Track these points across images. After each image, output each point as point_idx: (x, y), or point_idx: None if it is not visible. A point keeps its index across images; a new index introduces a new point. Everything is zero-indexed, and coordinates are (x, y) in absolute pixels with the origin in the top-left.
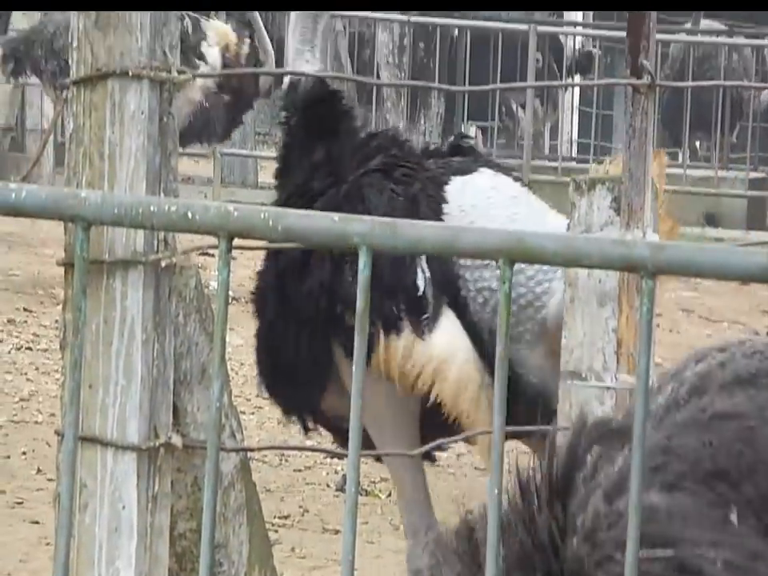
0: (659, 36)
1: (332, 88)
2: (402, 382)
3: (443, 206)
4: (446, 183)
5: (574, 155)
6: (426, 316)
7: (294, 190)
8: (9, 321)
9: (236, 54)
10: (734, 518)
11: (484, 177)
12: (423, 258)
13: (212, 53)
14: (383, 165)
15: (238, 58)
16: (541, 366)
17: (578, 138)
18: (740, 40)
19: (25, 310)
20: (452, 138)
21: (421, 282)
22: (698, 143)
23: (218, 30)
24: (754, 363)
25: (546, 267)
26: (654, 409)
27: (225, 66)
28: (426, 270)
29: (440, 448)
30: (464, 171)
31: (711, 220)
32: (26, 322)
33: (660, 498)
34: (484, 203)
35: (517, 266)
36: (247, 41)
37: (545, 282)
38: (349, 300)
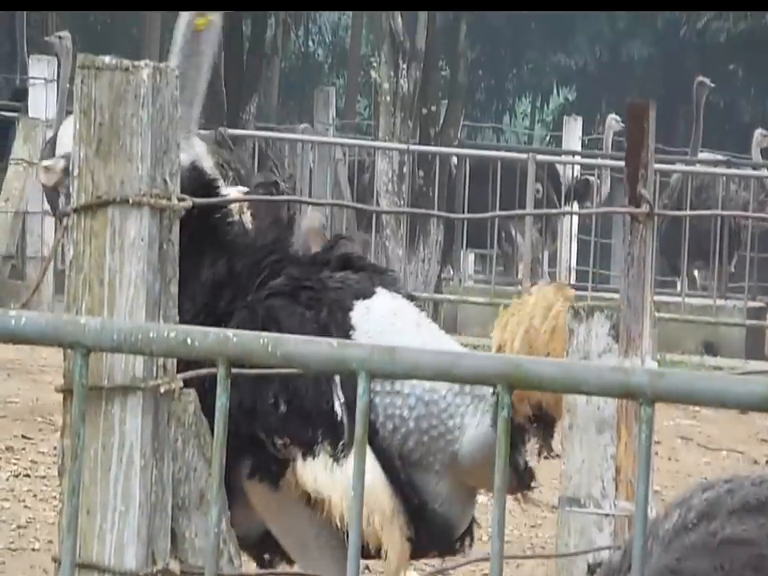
0: (657, 166)
1: (208, 177)
2: (316, 505)
3: (351, 333)
4: (351, 309)
5: (572, 282)
6: (342, 441)
7: (201, 309)
8: (7, 448)
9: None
10: None
11: (384, 301)
12: (338, 383)
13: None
14: (288, 287)
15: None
16: (448, 496)
17: (577, 265)
18: (737, 171)
19: (23, 437)
20: (335, 245)
21: (338, 408)
22: (696, 272)
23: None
24: (763, 491)
25: (458, 401)
26: (662, 533)
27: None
28: (341, 395)
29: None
30: (364, 294)
31: (710, 349)
32: (24, 449)
33: None
34: (390, 329)
35: (429, 397)
36: (246, 205)
37: (457, 417)
38: (267, 421)
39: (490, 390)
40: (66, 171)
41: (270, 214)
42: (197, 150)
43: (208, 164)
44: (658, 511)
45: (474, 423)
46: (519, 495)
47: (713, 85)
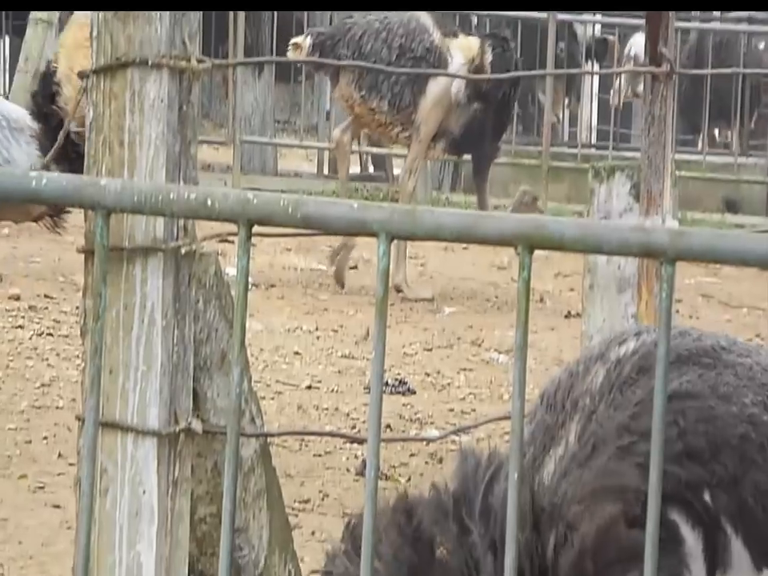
0: (678, 24)
1: None
2: None
3: None
4: None
5: (593, 142)
6: None
7: None
8: (30, 307)
9: (480, 64)
10: (707, 497)
11: None
12: None
13: (456, 62)
14: None
15: (483, 66)
16: None
17: (598, 125)
18: (759, 27)
19: (46, 296)
20: None
21: None
22: (716, 130)
23: (461, 45)
24: (689, 342)
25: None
26: (593, 388)
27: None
28: None
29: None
30: None
31: (731, 206)
32: (46, 308)
33: (629, 478)
34: None
35: None
36: (489, 49)
37: (4, 151)
38: None
39: (27, 122)
40: (313, 47)
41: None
42: None
43: None
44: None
45: (23, 156)
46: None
47: None
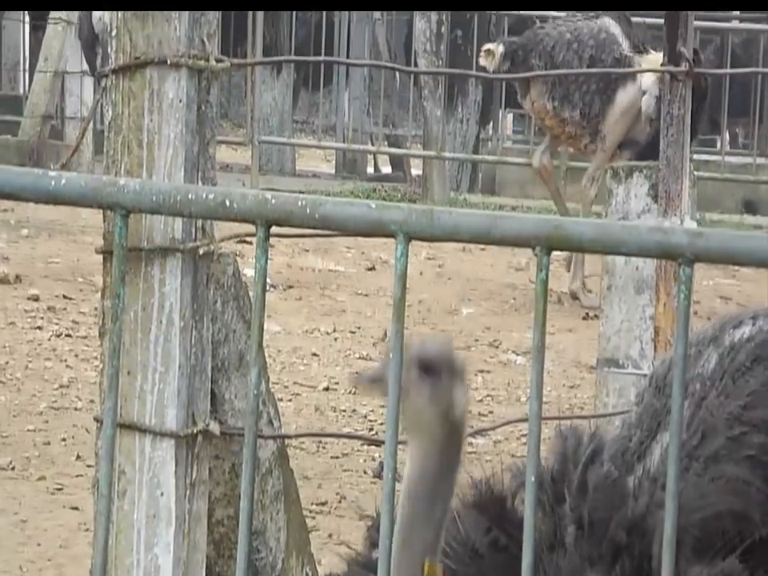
0: (697, 23)
1: None
2: None
3: None
4: None
5: None
6: None
7: None
8: (49, 308)
9: (491, 60)
10: None
11: None
12: None
13: (647, 79)
14: None
15: None
16: None
17: None
18: None
19: (64, 297)
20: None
21: None
22: (737, 130)
23: (648, 59)
24: None
25: None
26: (705, 374)
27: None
28: None
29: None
30: None
31: (750, 207)
32: (65, 309)
33: (740, 470)
34: None
35: None
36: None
37: None
38: None
39: None
40: (504, 56)
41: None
42: None
43: None
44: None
45: None
46: None
47: None
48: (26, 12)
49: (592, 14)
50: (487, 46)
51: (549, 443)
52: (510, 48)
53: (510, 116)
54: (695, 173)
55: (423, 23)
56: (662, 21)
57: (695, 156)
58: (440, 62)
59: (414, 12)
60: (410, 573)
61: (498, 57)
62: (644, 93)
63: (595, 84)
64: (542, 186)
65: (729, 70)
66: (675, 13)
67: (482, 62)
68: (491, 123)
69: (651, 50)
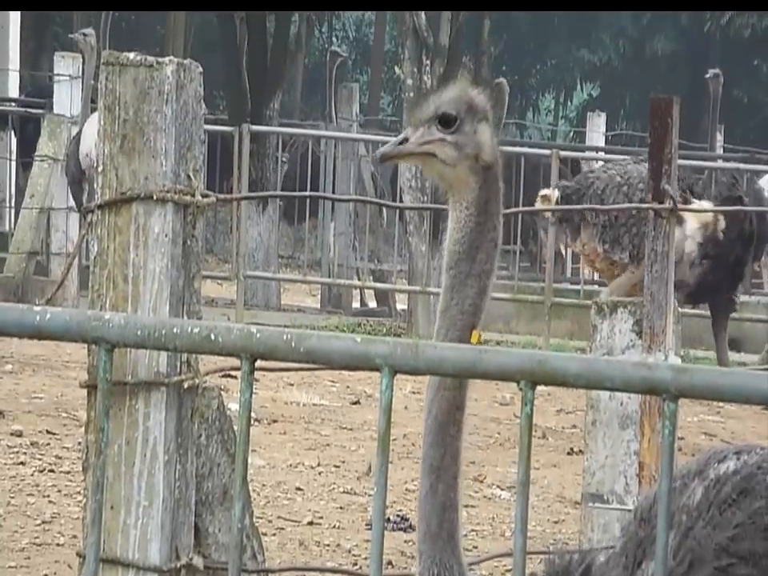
0: (680, 162)
1: None
2: None
3: None
4: None
5: (596, 278)
6: None
7: None
8: (32, 443)
9: (714, 231)
10: None
11: None
12: None
13: (691, 226)
14: None
15: (715, 233)
16: None
17: None
18: (761, 166)
19: (48, 432)
20: None
21: None
22: None
23: (694, 206)
24: None
25: None
26: (689, 505)
27: (705, 241)
28: None
29: None
30: None
31: (734, 345)
32: (48, 444)
33: None
34: None
35: None
36: (722, 217)
37: None
38: None
39: None
40: (560, 200)
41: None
42: None
43: None
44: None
45: None
46: None
47: (721, 79)
48: (15, 150)
49: (642, 156)
50: (544, 191)
51: (538, 567)
52: (565, 192)
53: None
54: (679, 309)
55: None
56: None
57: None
58: (425, 198)
59: None
60: (452, 335)
61: (554, 201)
62: (688, 238)
63: (644, 227)
64: (527, 321)
65: (712, 208)
66: (659, 151)
67: (538, 205)
68: None
69: (695, 200)
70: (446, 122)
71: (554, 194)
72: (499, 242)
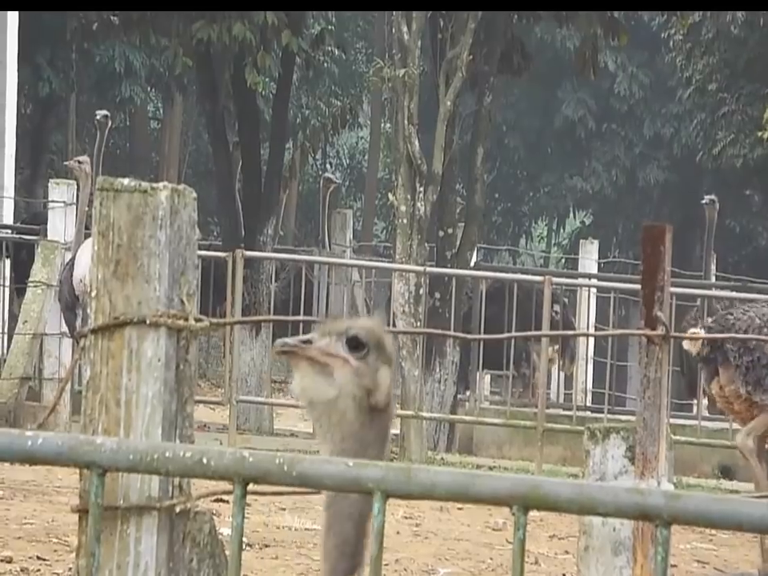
0: (673, 289)
1: None
2: None
3: None
4: None
5: (588, 404)
6: None
7: None
8: (22, 569)
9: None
10: None
11: None
12: None
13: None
14: None
15: None
16: None
17: (593, 387)
18: (756, 295)
19: (38, 558)
20: None
21: None
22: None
23: None
24: None
25: None
26: None
27: None
28: None
29: None
30: None
31: (726, 472)
32: (39, 570)
33: None
34: None
35: None
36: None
37: None
38: None
39: None
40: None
41: None
42: None
43: None
44: None
45: None
46: None
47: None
48: (8, 276)
49: None
50: (692, 330)
51: None
52: (710, 333)
53: (487, 376)
54: (672, 436)
55: (401, 285)
56: (638, 287)
57: (672, 420)
58: (418, 323)
59: (393, 275)
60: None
61: (700, 341)
62: None
63: None
64: (519, 446)
65: (704, 335)
66: (652, 277)
67: (686, 346)
68: (469, 384)
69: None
70: (354, 345)
71: (700, 332)
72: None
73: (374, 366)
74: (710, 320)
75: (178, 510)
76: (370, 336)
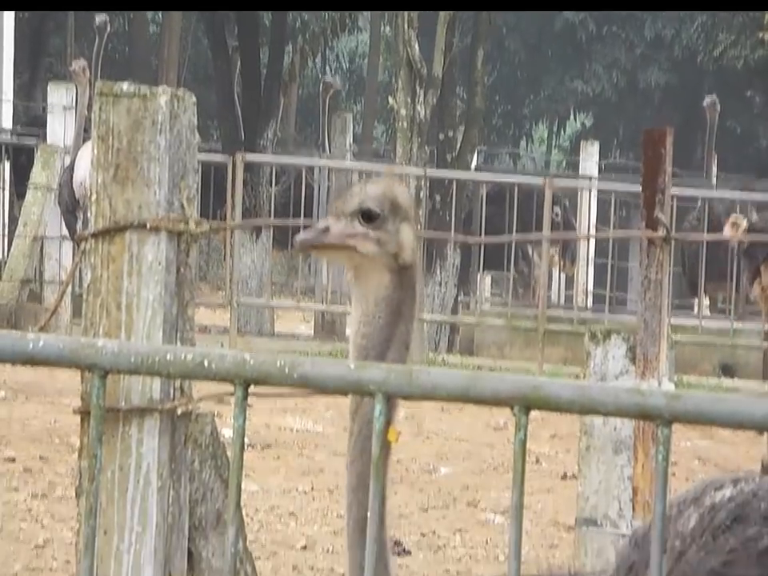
0: (674, 190)
1: None
2: None
3: None
4: None
5: (589, 306)
6: None
7: None
8: (25, 469)
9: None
10: None
11: None
12: None
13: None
14: None
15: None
16: None
17: (594, 288)
18: (755, 195)
19: (41, 458)
20: None
21: None
22: (719, 295)
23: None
24: None
25: None
26: (684, 532)
27: None
28: None
29: None
30: None
31: (727, 371)
32: (41, 470)
33: None
34: None
35: None
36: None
37: None
38: None
39: None
40: (749, 229)
41: None
42: None
43: None
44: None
45: None
46: None
47: (718, 106)
48: (8, 179)
49: None
50: (734, 216)
51: None
52: (753, 224)
53: (488, 278)
54: (672, 336)
55: None
56: (639, 188)
57: (673, 320)
58: (418, 226)
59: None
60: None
61: (741, 227)
62: None
63: None
64: (520, 347)
65: (705, 236)
66: (653, 180)
67: (727, 231)
68: (469, 286)
69: None
70: (368, 217)
71: (744, 223)
72: (411, 345)
73: (393, 229)
74: (756, 216)
75: (179, 411)
76: (383, 202)
